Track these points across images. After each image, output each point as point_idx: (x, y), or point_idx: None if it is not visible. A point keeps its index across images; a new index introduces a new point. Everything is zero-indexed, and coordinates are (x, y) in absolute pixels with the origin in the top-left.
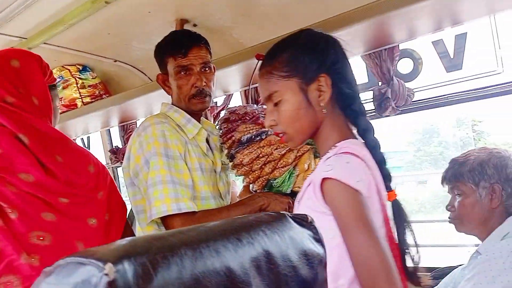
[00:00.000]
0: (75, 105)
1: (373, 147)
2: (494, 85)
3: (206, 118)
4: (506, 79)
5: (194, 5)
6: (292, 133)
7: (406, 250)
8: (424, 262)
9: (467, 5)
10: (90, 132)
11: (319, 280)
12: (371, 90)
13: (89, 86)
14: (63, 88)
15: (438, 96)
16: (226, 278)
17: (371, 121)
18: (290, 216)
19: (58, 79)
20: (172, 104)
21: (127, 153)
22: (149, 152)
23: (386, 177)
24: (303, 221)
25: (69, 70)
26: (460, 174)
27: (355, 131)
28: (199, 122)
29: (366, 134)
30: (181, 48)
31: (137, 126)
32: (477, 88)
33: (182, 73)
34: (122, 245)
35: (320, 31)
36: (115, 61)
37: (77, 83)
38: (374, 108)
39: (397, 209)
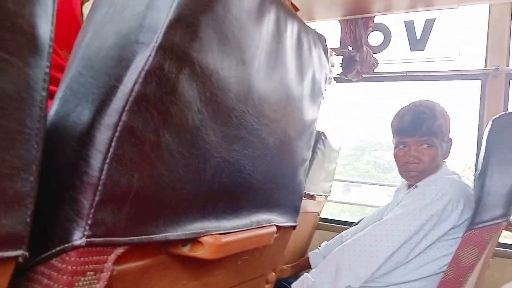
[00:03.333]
0: None
1: None
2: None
3: None
4: (461, 67)
5: None
6: None
7: None
8: None
9: None
10: None
11: (317, 89)
12: (341, 54)
13: None
14: None
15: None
16: None
17: (337, 85)
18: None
19: None
20: None
21: None
22: None
23: None
24: (319, 35)
25: None
26: (432, 128)
27: None
28: None
29: None
30: None
31: None
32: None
33: None
34: None
35: None
36: None
37: None
38: (342, 70)
39: None
